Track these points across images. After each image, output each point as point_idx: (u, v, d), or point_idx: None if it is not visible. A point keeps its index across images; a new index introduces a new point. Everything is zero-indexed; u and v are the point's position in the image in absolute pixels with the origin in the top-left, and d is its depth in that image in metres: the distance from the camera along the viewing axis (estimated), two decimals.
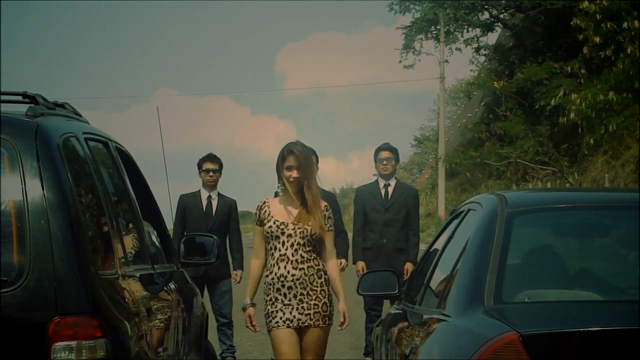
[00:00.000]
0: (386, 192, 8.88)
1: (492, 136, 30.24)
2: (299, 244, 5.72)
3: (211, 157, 9.00)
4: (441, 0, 31.64)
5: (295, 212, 5.77)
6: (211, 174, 8.95)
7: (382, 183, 8.95)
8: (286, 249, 5.72)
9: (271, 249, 5.76)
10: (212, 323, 6.65)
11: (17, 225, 3.46)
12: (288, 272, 5.70)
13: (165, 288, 4.95)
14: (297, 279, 5.70)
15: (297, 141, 5.85)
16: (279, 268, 5.72)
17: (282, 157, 5.78)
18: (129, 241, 4.50)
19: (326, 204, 5.85)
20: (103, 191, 4.08)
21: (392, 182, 8.98)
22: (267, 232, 5.74)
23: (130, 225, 4.65)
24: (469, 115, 41.58)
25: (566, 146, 26.76)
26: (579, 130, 24.07)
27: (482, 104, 36.54)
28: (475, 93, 37.66)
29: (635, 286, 3.78)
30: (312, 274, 5.74)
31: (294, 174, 5.72)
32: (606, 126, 20.42)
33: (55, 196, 3.51)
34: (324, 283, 5.78)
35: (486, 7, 31.82)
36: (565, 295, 3.81)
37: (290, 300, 5.71)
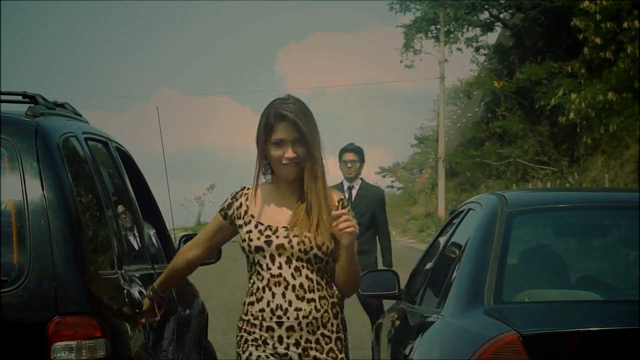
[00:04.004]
0: (350, 195, 8.61)
1: (492, 136, 30.24)
2: (299, 259, 3.52)
3: None
4: None
5: (288, 211, 3.57)
6: None
7: (346, 185, 8.60)
8: (279, 268, 3.52)
9: (254, 264, 3.57)
10: (213, 324, 6.66)
11: (17, 225, 3.46)
12: (290, 304, 3.51)
13: None
14: (305, 317, 3.52)
15: (289, 96, 3.58)
16: (273, 296, 3.52)
17: (265, 126, 3.53)
18: (129, 241, 4.50)
19: (341, 195, 3.62)
20: (103, 191, 4.09)
21: (357, 184, 8.68)
22: (244, 240, 3.56)
23: (130, 225, 4.66)
24: (469, 115, 41.59)
25: (566, 146, 26.76)
26: (578, 130, 24.08)
27: (482, 103, 36.55)
28: (475, 93, 37.66)
29: (635, 286, 3.78)
30: (326, 310, 3.55)
31: (289, 152, 3.49)
32: (606, 126, 20.42)
33: (55, 196, 3.51)
34: (340, 326, 3.61)
35: (486, 6, 31.82)
36: (565, 295, 3.82)
37: (287, 347, 3.54)
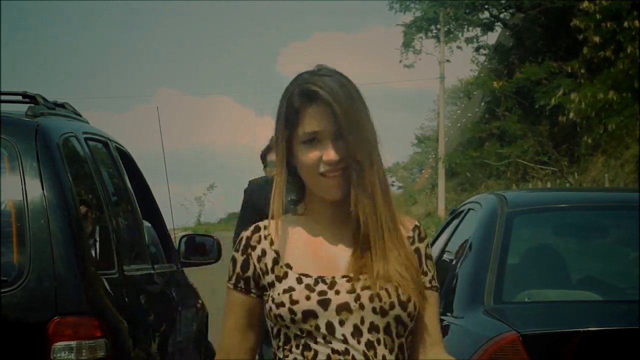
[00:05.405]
0: None
1: (492, 136, 30.26)
2: (373, 328, 2.08)
3: None
4: None
5: (344, 252, 2.15)
6: None
7: None
8: (344, 342, 2.07)
9: (296, 338, 2.10)
10: (213, 324, 6.64)
11: (17, 225, 3.46)
12: None
13: (165, 288, 4.95)
14: None
15: (322, 67, 2.18)
16: None
17: (288, 114, 2.16)
18: (129, 241, 4.50)
19: (415, 221, 2.27)
20: (103, 191, 4.09)
21: None
22: (282, 305, 2.08)
23: (130, 225, 4.66)
24: (469, 115, 41.61)
25: (566, 146, 26.77)
26: (578, 130, 24.10)
27: (482, 103, 36.57)
28: (475, 93, 37.68)
29: (635, 286, 3.79)
30: None
31: (329, 153, 2.11)
32: (605, 126, 20.44)
33: (55, 196, 3.51)
34: None
35: (486, 6, 31.84)
36: (565, 295, 3.82)
37: None
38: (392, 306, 2.08)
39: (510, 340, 3.16)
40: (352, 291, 2.08)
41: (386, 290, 2.08)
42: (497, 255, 3.74)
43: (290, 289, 2.08)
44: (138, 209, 4.78)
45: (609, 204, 4.45)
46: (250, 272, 2.15)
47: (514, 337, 3.16)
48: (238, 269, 2.16)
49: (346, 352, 2.06)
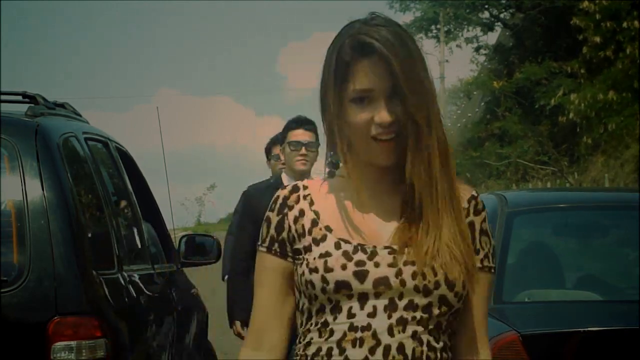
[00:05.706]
0: None
1: (492, 136, 30.27)
2: (412, 306, 1.86)
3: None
4: None
5: (389, 222, 1.93)
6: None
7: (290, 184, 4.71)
8: (370, 315, 1.86)
9: (321, 312, 1.90)
10: (213, 324, 6.65)
11: (17, 225, 3.46)
12: None
13: (165, 288, 4.95)
14: None
15: (375, 15, 1.92)
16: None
17: (337, 68, 1.90)
18: (129, 241, 4.50)
19: (472, 190, 2.13)
20: (103, 191, 4.09)
21: None
22: (315, 271, 1.88)
23: (130, 225, 4.66)
24: (469, 115, 41.62)
25: (566, 146, 26.77)
26: (578, 130, 24.11)
27: (482, 103, 36.58)
28: (475, 93, 37.69)
29: (635, 286, 3.79)
30: None
31: (383, 114, 1.85)
32: (605, 126, 20.46)
33: (55, 196, 3.51)
34: None
35: (486, 6, 31.86)
36: (565, 295, 3.82)
37: None
38: (437, 285, 1.86)
39: (510, 340, 3.17)
40: (393, 265, 1.87)
41: (432, 267, 1.86)
42: (497, 256, 3.74)
43: (327, 254, 1.89)
44: (138, 209, 4.78)
45: (609, 204, 4.45)
46: (285, 234, 1.95)
47: (513, 337, 3.17)
48: (272, 231, 1.96)
49: (366, 328, 1.85)
